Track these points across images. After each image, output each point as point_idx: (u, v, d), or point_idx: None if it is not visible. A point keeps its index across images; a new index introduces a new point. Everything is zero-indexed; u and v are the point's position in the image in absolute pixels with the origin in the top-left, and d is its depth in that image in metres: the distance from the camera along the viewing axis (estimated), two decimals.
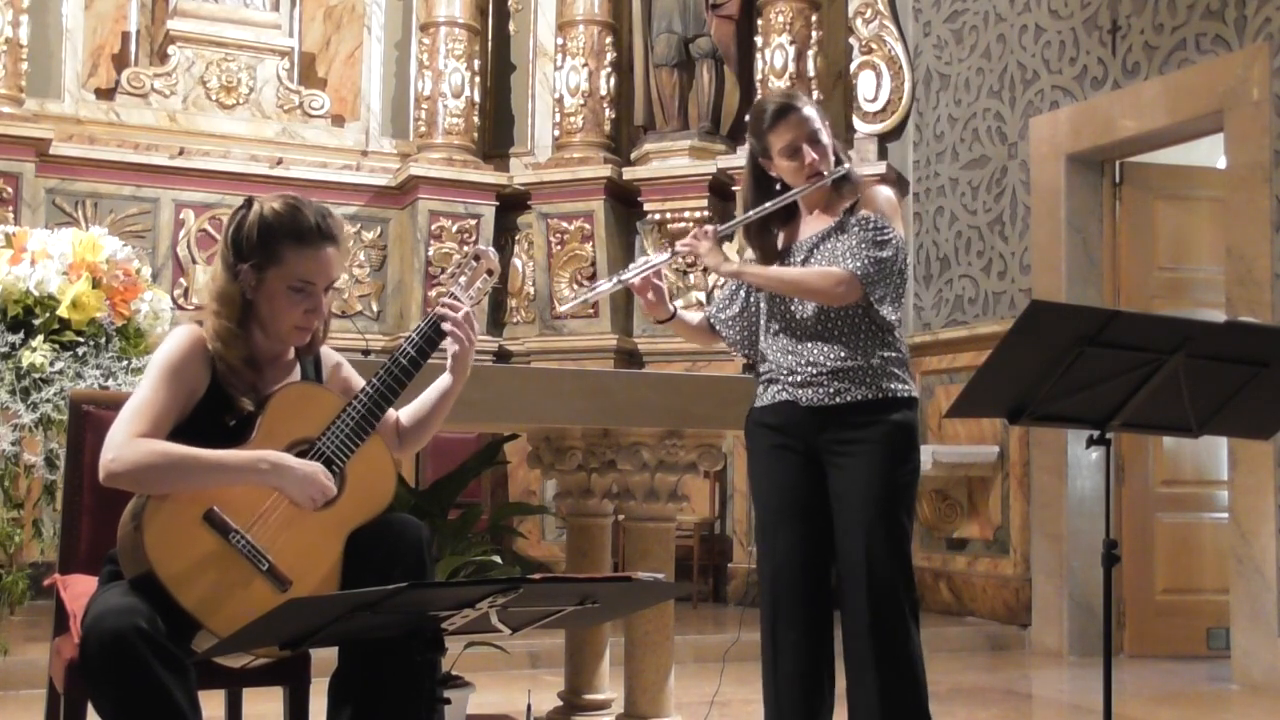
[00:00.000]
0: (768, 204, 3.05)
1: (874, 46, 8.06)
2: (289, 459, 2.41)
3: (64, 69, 8.10)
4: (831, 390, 2.96)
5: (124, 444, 2.34)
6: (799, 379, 3.00)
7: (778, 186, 3.06)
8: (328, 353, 2.72)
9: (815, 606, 3.02)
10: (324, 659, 2.42)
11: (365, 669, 2.45)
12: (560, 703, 4.10)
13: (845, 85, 8.21)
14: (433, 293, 8.47)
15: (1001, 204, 7.21)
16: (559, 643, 4.38)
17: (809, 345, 3.00)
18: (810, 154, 2.99)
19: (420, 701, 2.27)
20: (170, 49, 8.38)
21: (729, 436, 4.16)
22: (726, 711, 4.58)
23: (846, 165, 3.06)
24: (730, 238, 3.18)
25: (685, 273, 8.47)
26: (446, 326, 2.59)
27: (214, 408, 2.45)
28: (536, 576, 2.10)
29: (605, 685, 4.09)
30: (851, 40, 8.16)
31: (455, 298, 2.61)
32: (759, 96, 8.08)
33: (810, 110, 3.04)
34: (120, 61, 8.39)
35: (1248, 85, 5.81)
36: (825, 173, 3.01)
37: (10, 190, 7.50)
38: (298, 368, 2.62)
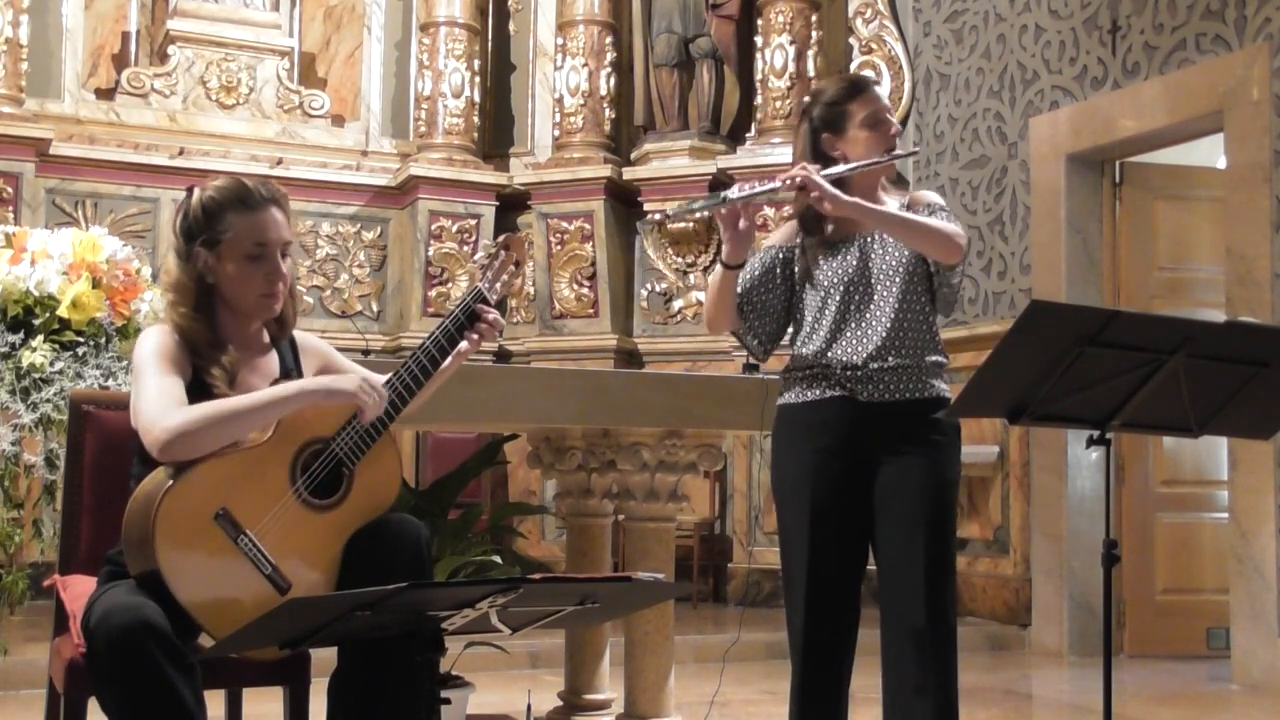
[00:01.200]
0: (877, 159, 2.87)
1: (874, 46, 8.06)
2: (329, 381, 2.47)
3: (64, 69, 8.10)
4: (892, 387, 2.82)
5: (164, 414, 2.34)
6: (859, 374, 2.82)
7: (841, 165, 2.88)
8: (307, 340, 2.71)
9: (850, 614, 2.88)
10: (324, 659, 2.42)
11: (365, 669, 2.45)
12: (560, 703, 4.10)
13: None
14: (433, 292, 8.47)
15: (1001, 204, 7.21)
16: (559, 643, 4.38)
17: (877, 338, 2.83)
18: (894, 127, 2.91)
19: (420, 701, 2.27)
20: (170, 49, 8.38)
21: (729, 436, 4.16)
22: (726, 711, 4.58)
23: (916, 148, 2.98)
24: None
25: (685, 273, 8.47)
26: (472, 331, 2.60)
27: (200, 397, 2.45)
28: (536, 576, 2.10)
29: (605, 685, 4.09)
30: (851, 40, 8.15)
31: (484, 302, 2.62)
32: (759, 96, 8.09)
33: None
34: (120, 61, 8.39)
35: (1248, 85, 5.81)
36: (897, 148, 2.93)
37: (10, 190, 7.50)
38: (274, 352, 2.62)
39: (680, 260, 8.48)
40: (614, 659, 4.09)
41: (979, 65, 7.43)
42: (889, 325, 2.84)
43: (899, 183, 3.04)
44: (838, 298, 2.87)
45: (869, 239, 2.90)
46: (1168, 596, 6.49)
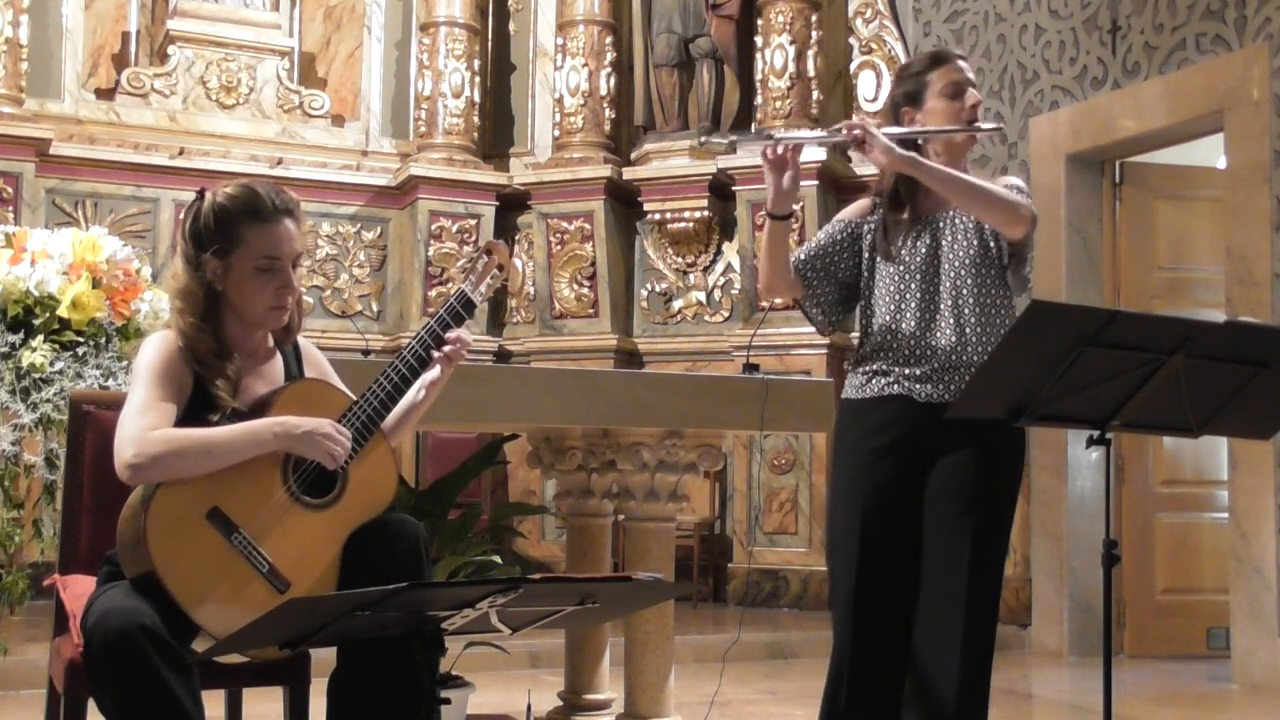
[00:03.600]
0: (948, 127, 2.77)
1: (874, 46, 8.06)
2: (294, 420, 2.40)
3: (64, 69, 8.10)
4: (952, 386, 2.73)
5: (140, 437, 2.33)
6: (919, 372, 2.74)
7: (920, 141, 2.79)
8: (310, 348, 2.71)
9: (897, 619, 2.79)
10: (324, 659, 2.42)
11: (365, 669, 2.45)
12: (560, 703, 4.10)
13: (845, 85, 8.21)
14: (433, 292, 8.47)
15: None
16: (559, 643, 4.38)
17: (943, 329, 2.74)
18: (973, 97, 2.80)
19: (420, 702, 2.27)
20: (170, 49, 8.38)
21: (729, 436, 4.16)
22: (726, 711, 4.58)
23: (998, 125, 2.89)
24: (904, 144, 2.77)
25: (685, 273, 8.47)
26: (436, 355, 2.57)
27: (202, 405, 2.45)
28: (536, 576, 2.10)
29: (605, 685, 4.09)
30: (851, 40, 8.16)
31: (447, 329, 2.59)
32: (759, 96, 8.08)
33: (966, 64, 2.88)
34: (120, 61, 8.39)
35: (1248, 85, 5.81)
36: (981, 122, 2.83)
37: (10, 190, 7.50)
38: (279, 357, 2.61)
39: (680, 260, 8.48)
40: (614, 659, 4.09)
41: (979, 65, 7.43)
42: (959, 313, 2.75)
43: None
44: (912, 296, 2.77)
45: (941, 224, 2.80)
46: (1168, 596, 6.49)
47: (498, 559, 4.15)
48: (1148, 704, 5.39)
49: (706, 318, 8.41)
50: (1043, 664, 6.37)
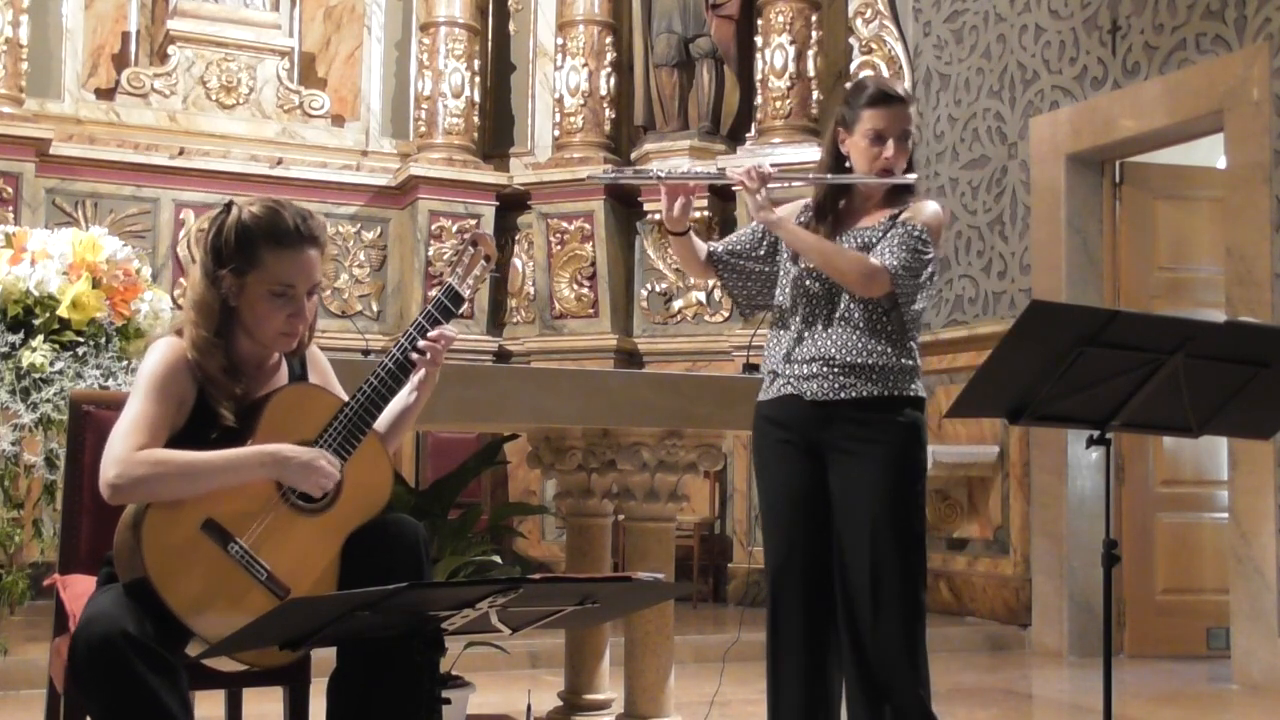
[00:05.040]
0: (830, 176, 3.00)
1: (874, 46, 8.06)
2: (287, 450, 2.38)
3: (64, 69, 8.10)
4: (837, 385, 2.92)
5: (125, 458, 2.32)
6: (804, 372, 2.96)
7: (847, 164, 3.00)
8: (315, 355, 2.69)
9: (819, 604, 3.00)
10: (324, 659, 2.42)
11: (365, 669, 2.45)
12: (560, 703, 4.10)
13: (845, 85, 8.21)
14: (433, 292, 8.46)
15: (1001, 204, 7.21)
16: (559, 643, 4.38)
17: (822, 337, 2.95)
18: (890, 149, 2.94)
19: (420, 701, 2.27)
20: (170, 49, 8.38)
21: (729, 436, 4.16)
22: (726, 711, 4.58)
23: (914, 176, 3.01)
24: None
25: (685, 273, 8.47)
26: (417, 357, 2.54)
27: (203, 419, 2.44)
28: (536, 576, 2.10)
29: (605, 685, 4.09)
30: (851, 40, 8.15)
31: (431, 327, 2.56)
32: (759, 97, 8.09)
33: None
34: (120, 61, 8.39)
35: (1248, 85, 5.81)
36: (896, 173, 2.96)
37: (10, 190, 7.50)
38: (284, 369, 2.60)
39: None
40: (614, 659, 4.09)
41: (979, 65, 7.44)
42: (836, 322, 2.95)
43: (912, 193, 3.05)
44: (795, 293, 3.01)
45: (853, 239, 2.98)
46: (1168, 596, 6.48)
47: (498, 559, 4.15)
48: (1148, 704, 5.39)
49: (706, 318, 8.42)
50: (1043, 664, 6.37)
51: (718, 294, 8.39)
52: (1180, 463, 6.55)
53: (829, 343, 2.94)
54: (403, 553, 2.45)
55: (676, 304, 8.50)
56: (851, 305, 2.94)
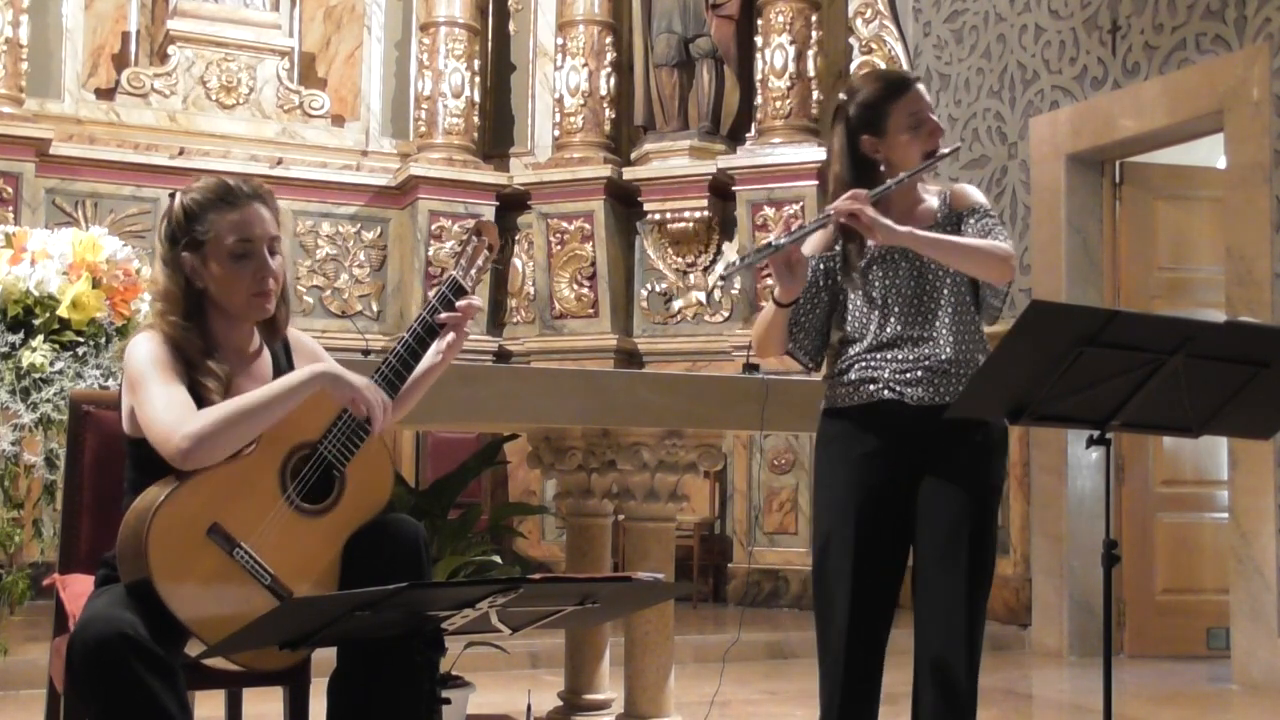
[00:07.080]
0: (920, 166, 2.80)
1: (874, 46, 8.06)
2: (338, 369, 2.43)
3: (64, 69, 8.10)
4: (943, 389, 2.75)
5: (181, 422, 2.32)
6: (909, 376, 2.76)
7: (881, 168, 2.82)
8: (300, 339, 2.68)
9: (886, 618, 2.80)
10: (324, 659, 2.42)
11: (365, 669, 2.44)
12: (560, 703, 4.10)
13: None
14: (433, 292, 8.46)
15: (1001, 204, 7.21)
16: (559, 643, 4.38)
17: (928, 339, 2.78)
18: (931, 124, 2.84)
19: (420, 702, 2.27)
20: (170, 49, 8.38)
21: (729, 436, 4.16)
22: (726, 711, 4.58)
23: (958, 145, 2.91)
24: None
25: (685, 273, 8.47)
26: (446, 316, 2.56)
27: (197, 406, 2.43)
28: (536, 576, 2.10)
29: (605, 685, 4.09)
30: (851, 40, 8.15)
31: (459, 293, 2.58)
32: (759, 97, 8.09)
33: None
34: (120, 61, 8.39)
35: (1248, 85, 5.81)
36: (944, 148, 2.85)
37: (10, 190, 7.50)
38: (267, 354, 2.59)
39: (680, 260, 8.48)
40: (614, 659, 4.10)
41: (979, 65, 7.44)
42: (941, 323, 2.79)
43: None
44: (892, 292, 2.80)
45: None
46: (1168, 596, 6.49)
47: (498, 559, 4.15)
48: (1148, 704, 5.39)
49: (706, 318, 8.41)
50: (1043, 664, 6.37)
51: (718, 294, 8.39)
52: (1180, 463, 6.55)
53: (933, 346, 2.77)
54: (403, 553, 2.45)
55: (676, 304, 8.50)
56: (945, 305, 2.79)
